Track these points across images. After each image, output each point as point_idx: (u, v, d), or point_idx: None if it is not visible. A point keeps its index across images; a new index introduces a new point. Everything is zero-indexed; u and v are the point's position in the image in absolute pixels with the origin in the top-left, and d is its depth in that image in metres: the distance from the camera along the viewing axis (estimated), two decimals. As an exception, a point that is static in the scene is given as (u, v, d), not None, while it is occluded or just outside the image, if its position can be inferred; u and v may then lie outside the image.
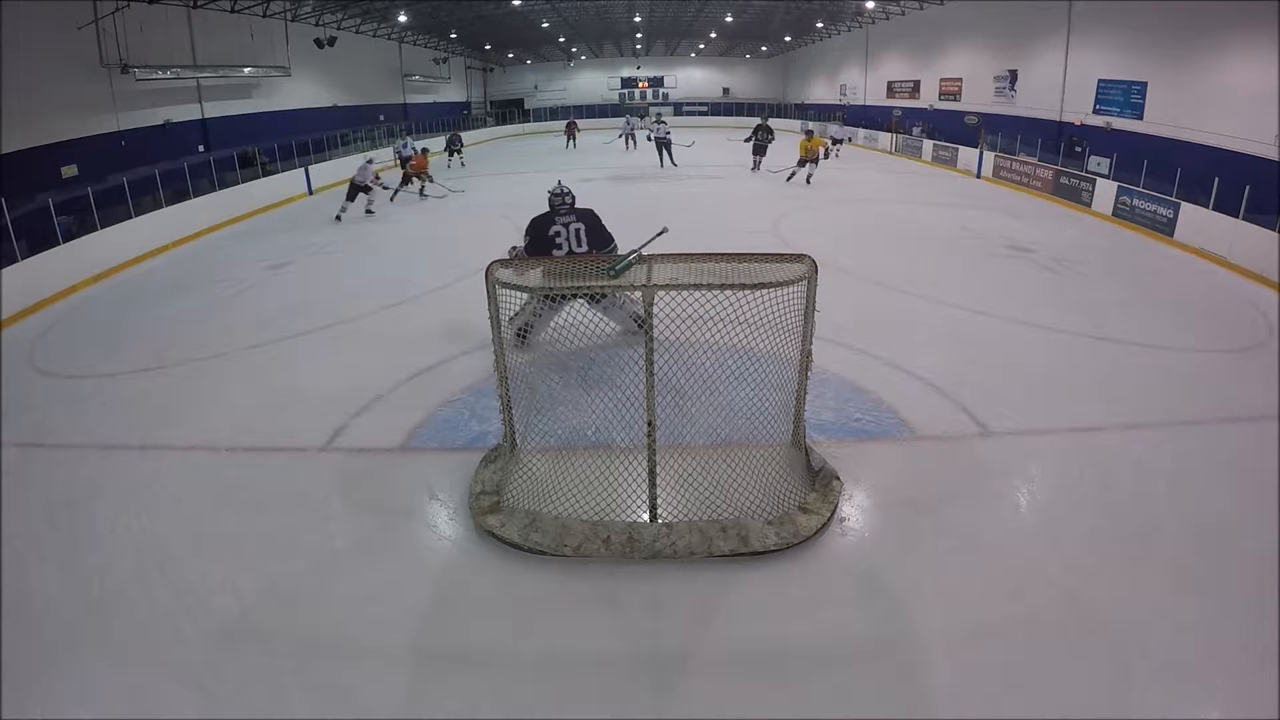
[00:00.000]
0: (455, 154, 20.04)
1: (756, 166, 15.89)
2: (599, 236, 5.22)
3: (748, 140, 16.10)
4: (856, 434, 4.37)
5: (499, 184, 16.19)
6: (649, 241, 4.13)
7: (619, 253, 4.72)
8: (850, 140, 22.98)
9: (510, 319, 3.73)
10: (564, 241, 5.10)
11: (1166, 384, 5.13)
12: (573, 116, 27.48)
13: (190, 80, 15.59)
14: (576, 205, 5.33)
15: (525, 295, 3.93)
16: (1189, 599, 2.98)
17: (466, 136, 28.54)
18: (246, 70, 17.47)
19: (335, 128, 19.87)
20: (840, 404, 4.70)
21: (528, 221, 5.25)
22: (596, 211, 5.35)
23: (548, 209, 5.27)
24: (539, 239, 5.13)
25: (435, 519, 3.65)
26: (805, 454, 3.89)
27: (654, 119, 21.84)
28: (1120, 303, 7.05)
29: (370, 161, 12.73)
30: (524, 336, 4.66)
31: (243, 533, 3.57)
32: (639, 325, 4.58)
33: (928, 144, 19.75)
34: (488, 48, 34.61)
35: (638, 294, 4.07)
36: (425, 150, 15.77)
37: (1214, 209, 9.54)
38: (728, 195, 13.27)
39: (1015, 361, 5.46)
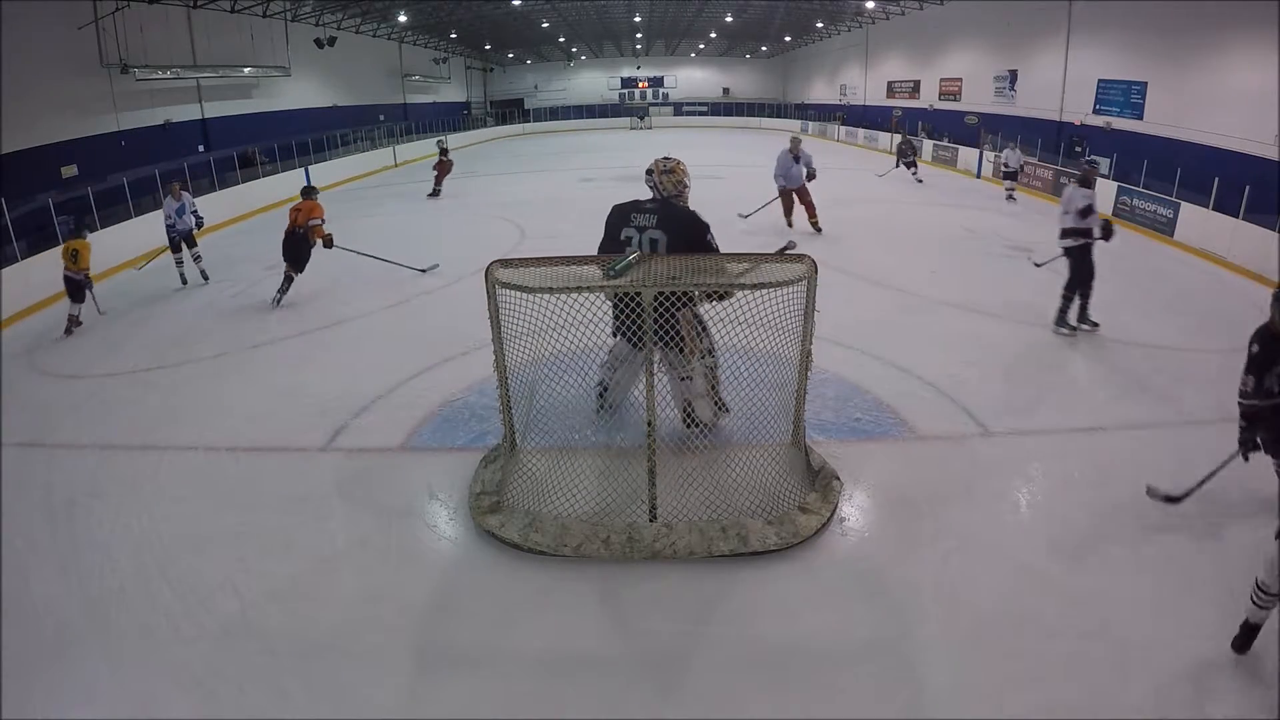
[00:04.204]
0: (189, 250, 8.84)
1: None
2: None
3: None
4: (856, 434, 4.36)
5: (498, 184, 16.19)
6: (780, 251, 3.64)
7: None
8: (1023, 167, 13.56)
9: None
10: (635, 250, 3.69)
11: (1166, 384, 5.12)
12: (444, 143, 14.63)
13: (190, 80, 15.62)
14: (671, 205, 3.86)
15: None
16: (1189, 599, 2.98)
17: (463, 137, 27.83)
18: (246, 70, 17.49)
19: (335, 128, 19.89)
20: (840, 404, 4.70)
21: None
22: (701, 220, 3.83)
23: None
24: (608, 238, 3.91)
25: (435, 519, 3.65)
26: (805, 454, 3.88)
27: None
28: (1120, 302, 7.04)
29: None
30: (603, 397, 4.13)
31: (243, 533, 3.57)
32: (687, 421, 3.98)
33: (927, 144, 19.74)
34: (488, 48, 34.66)
35: (700, 387, 3.84)
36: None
37: (1214, 209, 9.53)
38: (728, 195, 13.26)
39: (1015, 361, 5.46)
